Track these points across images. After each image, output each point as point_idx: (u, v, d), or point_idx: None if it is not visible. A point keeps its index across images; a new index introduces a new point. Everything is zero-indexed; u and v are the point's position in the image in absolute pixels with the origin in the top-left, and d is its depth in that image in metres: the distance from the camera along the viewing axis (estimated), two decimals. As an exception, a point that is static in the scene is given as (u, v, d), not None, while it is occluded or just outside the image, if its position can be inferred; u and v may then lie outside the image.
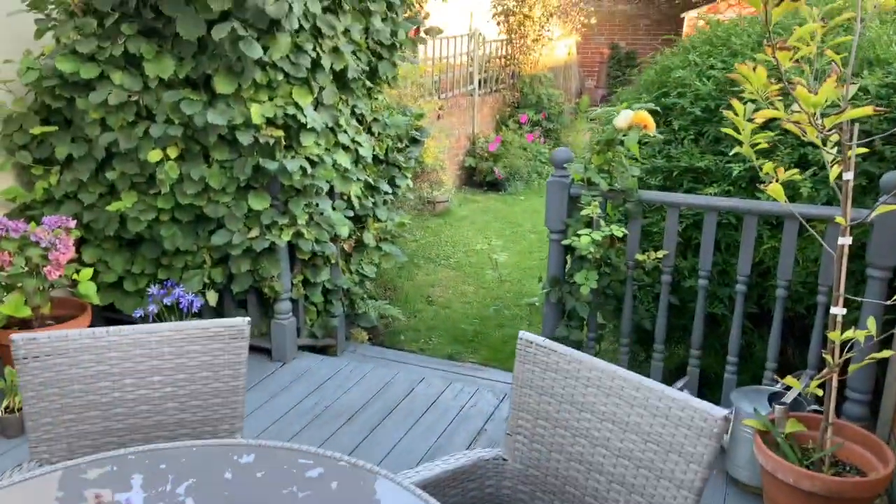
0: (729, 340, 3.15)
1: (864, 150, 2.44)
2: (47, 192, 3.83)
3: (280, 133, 3.54)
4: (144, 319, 3.62)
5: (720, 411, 1.56)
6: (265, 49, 3.38)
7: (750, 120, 2.38)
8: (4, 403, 3.25)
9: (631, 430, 1.71)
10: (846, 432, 2.64)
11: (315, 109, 3.77)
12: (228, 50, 3.31)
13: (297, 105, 3.59)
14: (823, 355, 2.50)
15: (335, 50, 3.77)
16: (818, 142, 2.25)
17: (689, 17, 10.37)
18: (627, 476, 1.72)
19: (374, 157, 4.49)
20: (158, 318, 3.64)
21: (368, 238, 4.47)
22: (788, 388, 2.77)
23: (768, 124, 2.48)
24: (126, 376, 1.92)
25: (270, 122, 3.56)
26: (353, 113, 4.19)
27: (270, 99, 3.55)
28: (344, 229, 4.03)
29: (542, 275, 3.56)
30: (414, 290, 5.98)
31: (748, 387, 3.06)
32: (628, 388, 1.73)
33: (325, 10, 3.71)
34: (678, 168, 3.33)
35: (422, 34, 4.64)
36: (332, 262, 4.15)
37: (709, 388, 3.48)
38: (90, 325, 3.71)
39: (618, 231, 3.10)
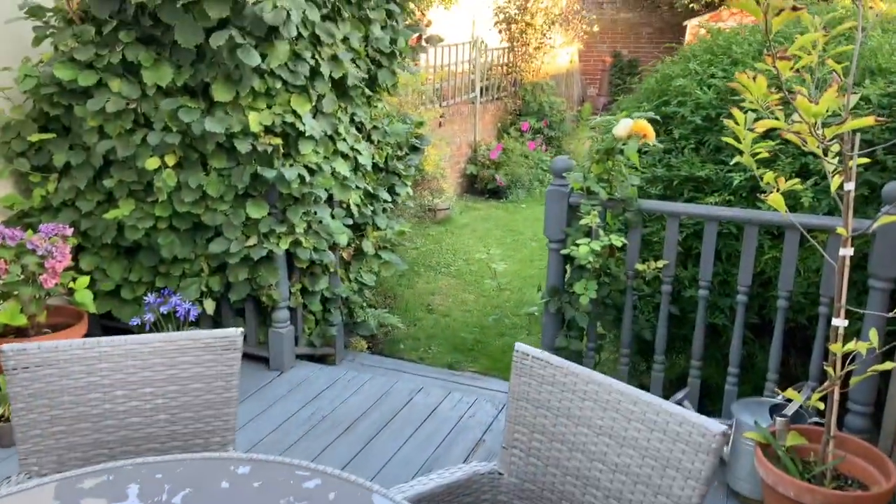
0: (730, 351, 3.12)
1: (865, 160, 2.41)
2: (45, 199, 3.82)
3: (278, 141, 3.53)
4: (141, 328, 3.60)
5: (718, 427, 1.53)
6: (263, 57, 3.37)
7: (751, 129, 2.36)
8: (-1, 412, 3.23)
9: (628, 444, 1.69)
10: (848, 445, 2.61)
11: (314, 117, 3.75)
12: (226, 58, 3.29)
13: (295, 113, 3.58)
14: (825, 367, 2.47)
15: (334, 58, 3.76)
16: (819, 152, 2.23)
17: (692, 25, 10.37)
18: (624, 492, 1.69)
19: (374, 166, 4.47)
20: (155, 326, 3.62)
21: (367, 246, 4.45)
22: (790, 400, 2.74)
23: (769, 133, 2.46)
24: (117, 388, 1.90)
25: (269, 130, 3.54)
26: (352, 121, 4.17)
27: (269, 107, 3.53)
28: (343, 237, 4.00)
29: (542, 284, 3.54)
30: (414, 299, 5.96)
31: (749, 398, 3.03)
32: (625, 402, 1.70)
33: (323, 17, 3.70)
34: (678, 177, 3.30)
35: (422, 43, 4.63)
36: (331, 270, 4.13)
37: (710, 399, 3.44)
38: (87, 334, 3.69)
39: (617, 241, 3.08)
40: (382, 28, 4.19)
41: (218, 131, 3.37)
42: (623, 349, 3.36)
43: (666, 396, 3.28)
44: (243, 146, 3.46)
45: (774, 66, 1.95)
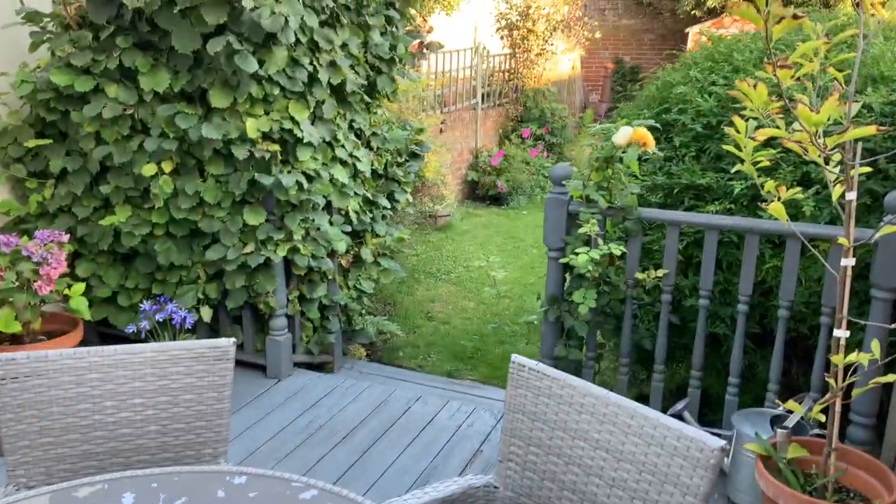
0: (730, 361, 3.08)
1: (867, 169, 2.38)
2: (41, 205, 3.79)
3: (276, 147, 3.50)
4: (137, 335, 3.58)
5: (716, 442, 1.50)
6: (261, 63, 3.35)
7: (751, 138, 2.33)
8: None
9: (625, 459, 1.65)
10: (850, 458, 2.57)
11: (312, 124, 3.73)
12: (224, 64, 3.28)
13: (293, 119, 3.55)
14: (826, 379, 2.43)
15: (332, 64, 3.74)
16: (820, 161, 2.20)
17: (694, 32, 10.36)
18: (621, 507, 1.66)
19: (373, 172, 4.45)
20: (151, 334, 3.60)
21: (366, 253, 4.42)
22: (791, 411, 2.70)
23: (770, 142, 2.44)
24: (107, 399, 1.87)
25: (266, 136, 3.52)
26: (351, 127, 4.15)
27: (266, 113, 3.51)
28: (341, 244, 3.98)
29: (542, 292, 3.51)
30: (414, 306, 5.93)
31: (750, 409, 3.00)
32: (622, 416, 1.67)
33: (322, 23, 3.68)
34: (679, 185, 3.27)
35: (423, 49, 4.61)
36: (329, 277, 4.10)
37: (710, 409, 3.41)
38: (82, 341, 3.66)
39: (616, 249, 3.05)
40: (382, 34, 4.17)
41: (215, 137, 3.35)
42: (622, 359, 3.33)
43: (666, 406, 3.25)
44: (241, 152, 3.44)
45: (775, 75, 1.92)
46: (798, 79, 2.08)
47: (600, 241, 3.11)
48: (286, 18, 3.27)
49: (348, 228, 4.18)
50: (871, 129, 2.02)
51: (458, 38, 9.93)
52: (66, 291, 3.42)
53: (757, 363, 3.36)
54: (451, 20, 10.07)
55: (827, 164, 2.27)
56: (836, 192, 2.32)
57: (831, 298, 2.77)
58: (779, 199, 2.38)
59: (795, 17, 1.71)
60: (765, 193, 2.43)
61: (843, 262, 2.33)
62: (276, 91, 3.48)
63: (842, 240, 2.31)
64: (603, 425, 1.70)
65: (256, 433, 3.47)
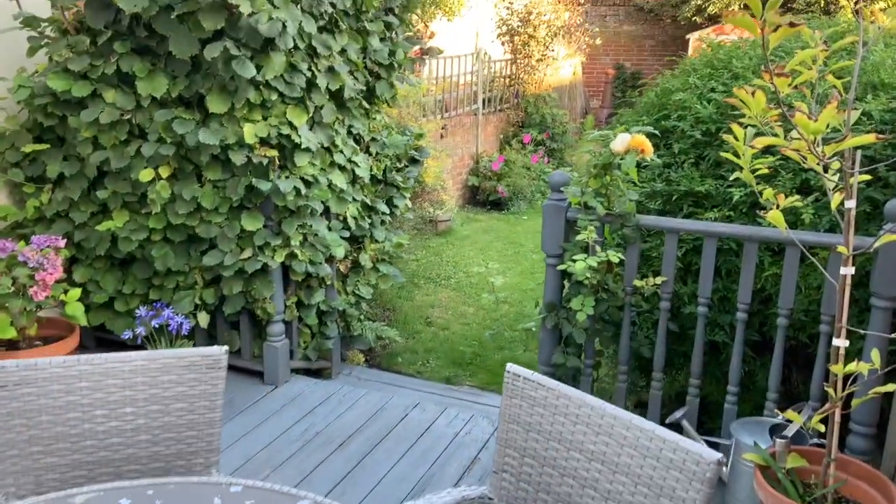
0: (729, 370, 3.06)
1: (867, 177, 2.36)
2: (39, 210, 3.78)
3: (274, 153, 3.49)
4: (133, 341, 3.56)
5: (713, 455, 1.48)
6: (259, 68, 3.34)
7: (750, 146, 2.31)
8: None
9: (621, 471, 1.63)
10: (850, 468, 2.54)
11: (310, 129, 3.72)
12: (221, 69, 3.26)
13: (291, 125, 3.54)
14: (826, 388, 2.41)
15: (331, 69, 3.73)
16: (819, 169, 2.18)
17: (695, 38, 10.35)
18: (616, 520, 1.63)
19: (372, 178, 4.44)
20: (147, 340, 3.58)
21: (365, 259, 4.41)
22: (790, 420, 2.68)
23: (770, 149, 2.41)
24: (97, 407, 1.85)
25: (264, 141, 3.51)
26: (349, 133, 4.14)
27: (264, 118, 3.50)
28: (339, 250, 3.96)
29: (541, 298, 3.49)
30: (413, 311, 5.91)
31: (749, 418, 2.97)
32: (618, 427, 1.65)
33: (320, 29, 3.67)
34: (678, 192, 3.25)
35: (423, 55, 4.60)
36: (328, 283, 4.09)
37: (709, 417, 3.39)
38: (79, 346, 3.66)
39: (614, 257, 3.03)
40: (381, 40, 4.16)
41: (212, 143, 3.34)
42: (621, 366, 3.31)
43: (665, 413, 3.22)
44: (238, 158, 3.42)
45: (772, 83, 1.90)
46: (796, 87, 2.07)
47: (598, 248, 3.09)
48: (284, 24, 3.26)
49: (347, 234, 4.17)
50: (869, 138, 2.00)
51: (459, 43, 9.94)
52: (62, 297, 3.41)
53: (756, 371, 3.33)
54: (453, 26, 10.08)
55: (826, 171, 2.25)
56: (835, 200, 2.30)
57: (831, 307, 2.75)
58: (777, 206, 2.36)
59: (792, 24, 1.69)
60: (763, 201, 2.41)
61: (843, 270, 2.31)
62: (274, 96, 3.47)
63: (841, 248, 2.29)
64: (598, 437, 1.68)
65: (252, 440, 3.45)
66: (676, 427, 3.08)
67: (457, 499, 1.84)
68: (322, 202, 3.80)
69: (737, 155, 2.39)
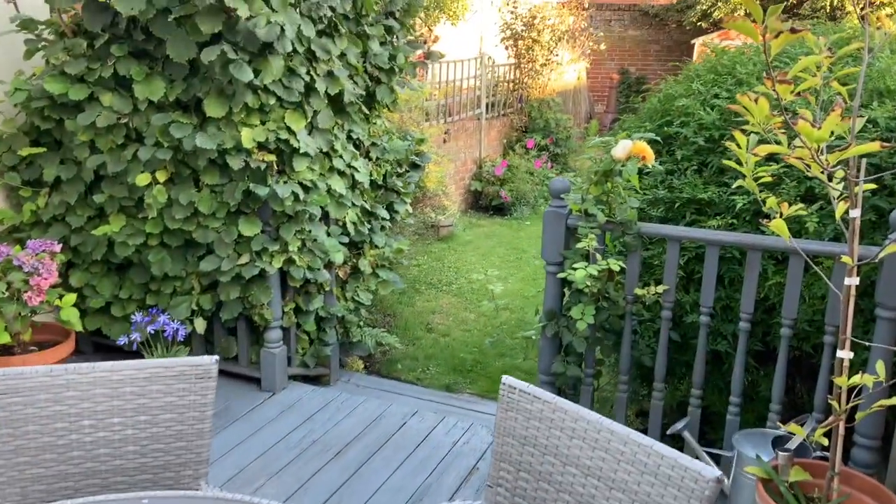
0: (731, 380, 3.01)
1: (872, 185, 2.32)
2: (35, 214, 3.76)
3: (272, 158, 3.46)
4: (129, 347, 3.53)
5: (712, 472, 1.43)
6: (257, 72, 3.31)
7: (753, 153, 2.27)
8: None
9: (617, 487, 1.59)
10: (854, 482, 2.49)
11: (309, 134, 3.68)
12: (219, 73, 3.24)
13: (289, 129, 3.51)
14: (829, 401, 2.36)
15: (330, 74, 3.69)
16: (823, 178, 2.14)
17: (700, 43, 10.31)
18: (613, 538, 1.59)
19: (372, 183, 4.40)
20: (144, 345, 3.55)
21: (364, 265, 4.37)
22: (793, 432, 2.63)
23: (773, 156, 2.37)
24: (84, 417, 1.81)
25: (262, 146, 3.47)
26: (349, 137, 4.10)
27: (262, 123, 3.47)
28: (338, 256, 3.92)
29: (541, 306, 3.44)
30: (414, 317, 5.87)
31: (752, 429, 2.92)
32: (615, 442, 1.61)
33: (320, 33, 3.63)
34: (680, 199, 3.21)
35: (425, 59, 4.57)
36: (326, 289, 4.05)
37: (712, 428, 3.34)
38: (75, 351, 3.63)
39: (615, 265, 2.98)
40: (381, 44, 4.13)
41: (209, 147, 3.30)
42: (622, 376, 3.26)
43: (667, 423, 3.17)
44: (236, 162, 3.39)
45: (774, 90, 1.86)
46: (800, 93, 2.02)
47: (599, 256, 3.05)
48: (282, 28, 3.23)
49: (346, 239, 4.13)
50: (874, 146, 1.96)
51: (463, 47, 9.91)
52: (58, 302, 3.38)
53: (759, 381, 3.28)
54: (457, 30, 10.05)
55: (830, 180, 2.20)
56: (839, 209, 2.26)
57: (835, 317, 2.70)
58: (781, 215, 2.32)
59: (794, 30, 1.65)
60: (767, 209, 2.37)
61: (847, 281, 2.26)
62: (273, 101, 3.44)
63: (845, 258, 2.24)
64: (595, 451, 1.64)
65: (248, 448, 3.41)
66: (678, 438, 3.04)
67: (450, 514, 1.80)
68: (321, 207, 3.76)
69: (740, 162, 2.35)
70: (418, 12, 4.51)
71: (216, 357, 1.90)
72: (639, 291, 3.07)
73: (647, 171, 3.26)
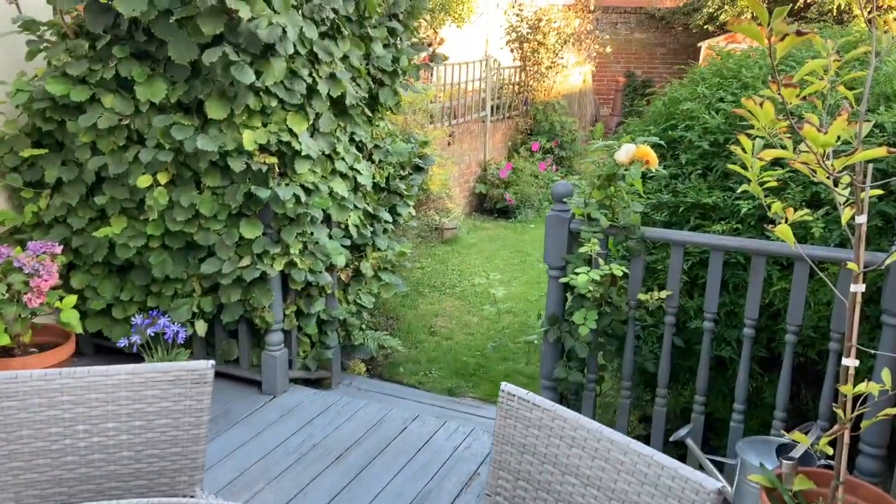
0: (735, 387, 2.98)
1: (879, 191, 2.29)
2: (37, 215, 3.75)
3: (273, 160, 3.44)
4: (129, 349, 3.51)
5: (713, 484, 1.41)
6: (258, 74, 3.29)
7: (758, 158, 2.24)
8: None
9: (617, 497, 1.56)
10: (860, 492, 2.46)
11: (311, 136, 3.67)
12: (220, 75, 3.22)
13: (291, 132, 3.49)
14: (834, 409, 2.33)
15: (332, 76, 3.68)
16: (829, 183, 2.11)
17: (706, 46, 10.26)
18: (612, 549, 1.56)
19: (375, 185, 4.38)
20: (144, 348, 3.53)
21: (366, 267, 4.35)
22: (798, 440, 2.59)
23: (779, 161, 2.34)
24: (79, 422, 1.79)
25: (264, 148, 3.46)
26: (351, 140, 4.08)
27: (264, 125, 3.45)
28: (340, 258, 3.90)
29: (542, 311, 3.42)
30: (417, 320, 5.84)
31: (756, 437, 2.89)
32: (615, 452, 1.58)
33: (322, 35, 3.62)
34: (685, 204, 3.18)
35: (429, 61, 4.55)
36: (328, 292, 4.03)
37: (715, 434, 3.31)
38: (75, 353, 3.62)
39: (617, 270, 2.96)
40: (385, 46, 4.11)
41: (211, 149, 3.29)
42: (624, 382, 3.23)
43: (670, 429, 3.14)
44: (237, 165, 3.38)
45: (779, 94, 1.83)
46: (805, 98, 2.00)
47: (601, 260, 3.02)
48: (284, 30, 3.21)
49: (348, 242, 4.10)
50: (881, 151, 1.93)
51: (469, 50, 9.89)
52: (58, 304, 3.37)
53: (764, 388, 3.25)
54: (463, 32, 10.03)
55: (836, 185, 2.17)
56: (845, 214, 2.23)
57: (840, 324, 2.67)
58: (786, 220, 2.29)
59: (799, 33, 1.62)
60: (772, 214, 2.34)
61: (853, 287, 2.23)
62: (274, 103, 3.42)
63: (851, 265, 2.21)
64: (595, 461, 1.61)
65: (248, 452, 3.39)
66: (681, 445, 3.01)
67: (448, 522, 1.78)
68: (323, 210, 3.74)
69: (745, 167, 2.32)
70: (422, 14, 4.49)
71: (212, 362, 1.88)
72: (642, 296, 3.04)
73: (651, 175, 3.23)
